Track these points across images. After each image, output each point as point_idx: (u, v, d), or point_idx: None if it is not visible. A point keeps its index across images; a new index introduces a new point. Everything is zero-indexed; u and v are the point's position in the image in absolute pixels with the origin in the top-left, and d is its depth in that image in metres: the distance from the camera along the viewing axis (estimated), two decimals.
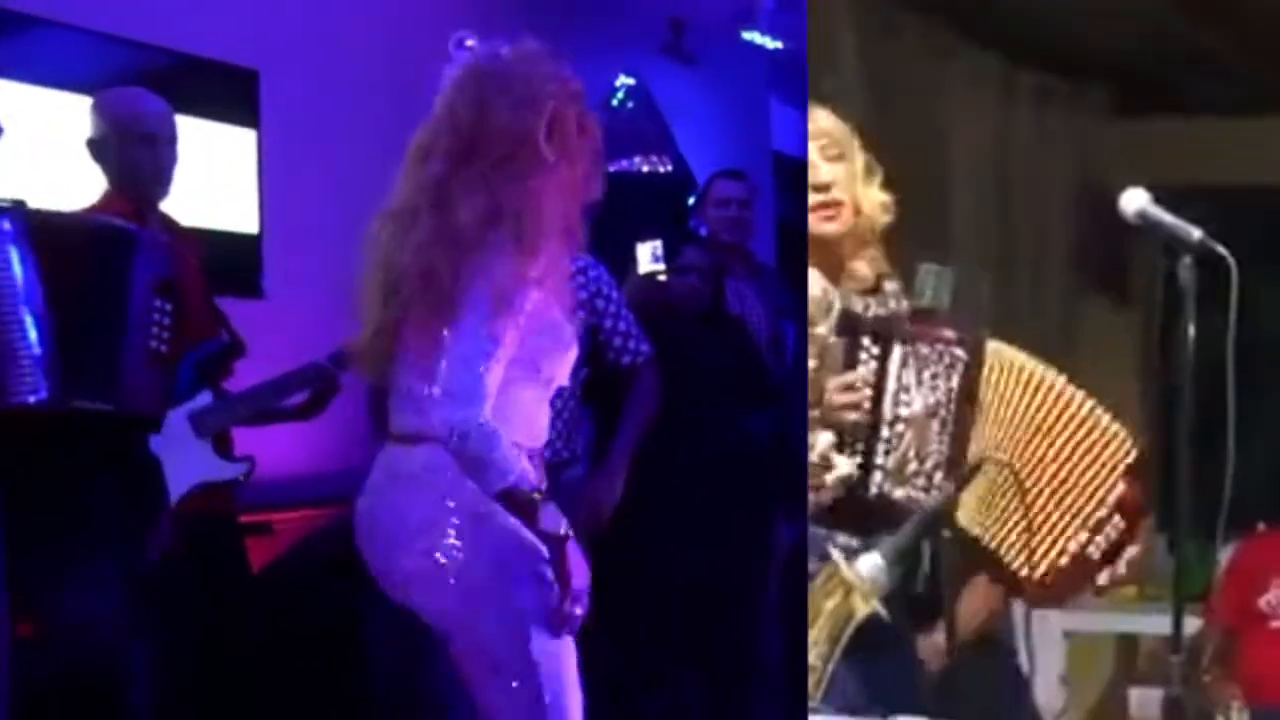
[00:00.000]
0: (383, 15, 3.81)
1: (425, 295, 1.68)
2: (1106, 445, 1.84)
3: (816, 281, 1.78)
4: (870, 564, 1.71)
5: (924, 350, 1.81)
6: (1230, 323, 1.71)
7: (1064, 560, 1.83)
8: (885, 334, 1.81)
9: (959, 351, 1.81)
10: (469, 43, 4.29)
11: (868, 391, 1.79)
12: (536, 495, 1.64)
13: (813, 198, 1.90)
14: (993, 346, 1.84)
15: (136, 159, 2.29)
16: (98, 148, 2.31)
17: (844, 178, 1.90)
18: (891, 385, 1.80)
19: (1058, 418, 1.84)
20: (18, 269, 2.02)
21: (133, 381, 2.12)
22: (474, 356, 1.61)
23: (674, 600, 3.13)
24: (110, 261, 2.13)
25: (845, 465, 1.79)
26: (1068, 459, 1.84)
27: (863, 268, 1.91)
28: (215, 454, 2.31)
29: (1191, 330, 1.67)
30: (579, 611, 1.68)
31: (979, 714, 1.96)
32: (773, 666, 3.30)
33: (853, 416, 1.79)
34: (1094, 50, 3.23)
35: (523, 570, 1.66)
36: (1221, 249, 1.69)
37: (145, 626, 2.19)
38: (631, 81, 4.82)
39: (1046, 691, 2.97)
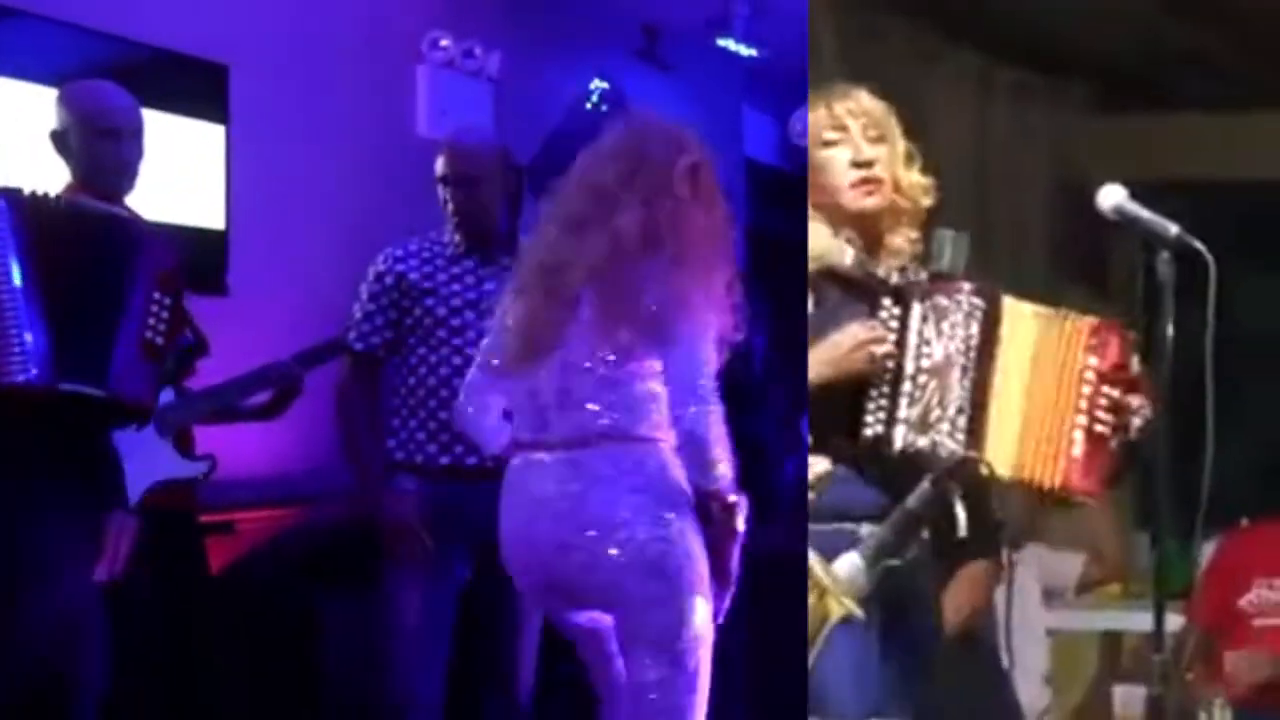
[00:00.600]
0: (356, 13, 3.80)
1: (605, 302, 1.94)
2: (1075, 335, 1.84)
3: (847, 251, 1.80)
4: (848, 565, 1.71)
5: (942, 302, 1.84)
6: (1209, 318, 1.71)
7: (1076, 451, 1.81)
8: (904, 295, 1.85)
9: (977, 300, 1.83)
10: (443, 43, 4.33)
11: (891, 338, 1.83)
12: (734, 498, 1.91)
13: (853, 174, 1.95)
14: (1008, 301, 1.85)
15: (100, 153, 2.26)
16: (61, 140, 2.28)
17: (884, 158, 1.96)
18: (913, 340, 1.83)
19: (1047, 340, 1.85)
20: (11, 251, 2.02)
21: (125, 369, 2.10)
22: (707, 360, 1.90)
23: None
24: (114, 251, 2.13)
25: (823, 463, 1.80)
26: (1059, 368, 1.84)
27: (900, 243, 1.96)
28: (176, 452, 2.29)
29: (1170, 326, 1.68)
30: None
31: (961, 711, 1.96)
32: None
33: (876, 358, 1.81)
34: (1073, 46, 3.24)
35: (699, 560, 1.93)
36: (1199, 244, 1.70)
37: (101, 625, 2.16)
38: (606, 85, 4.82)
39: (1030, 690, 2.97)
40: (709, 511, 1.93)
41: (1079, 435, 1.81)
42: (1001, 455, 1.82)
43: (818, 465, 1.83)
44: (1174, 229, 1.71)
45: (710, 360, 1.91)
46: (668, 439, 1.95)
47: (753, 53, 4.99)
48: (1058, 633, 3.35)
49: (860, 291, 1.84)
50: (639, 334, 1.91)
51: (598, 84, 4.78)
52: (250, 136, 3.42)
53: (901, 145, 1.98)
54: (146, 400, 2.18)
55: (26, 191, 2.11)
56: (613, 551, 1.91)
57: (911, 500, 1.76)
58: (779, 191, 6.23)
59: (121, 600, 2.19)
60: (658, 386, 1.94)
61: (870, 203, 1.95)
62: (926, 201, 1.98)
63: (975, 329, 1.83)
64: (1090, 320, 1.84)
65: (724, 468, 1.89)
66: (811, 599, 1.75)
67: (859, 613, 1.72)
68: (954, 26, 3.19)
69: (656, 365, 1.94)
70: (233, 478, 2.49)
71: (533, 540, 2.01)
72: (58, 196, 2.19)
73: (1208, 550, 2.99)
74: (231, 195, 3.38)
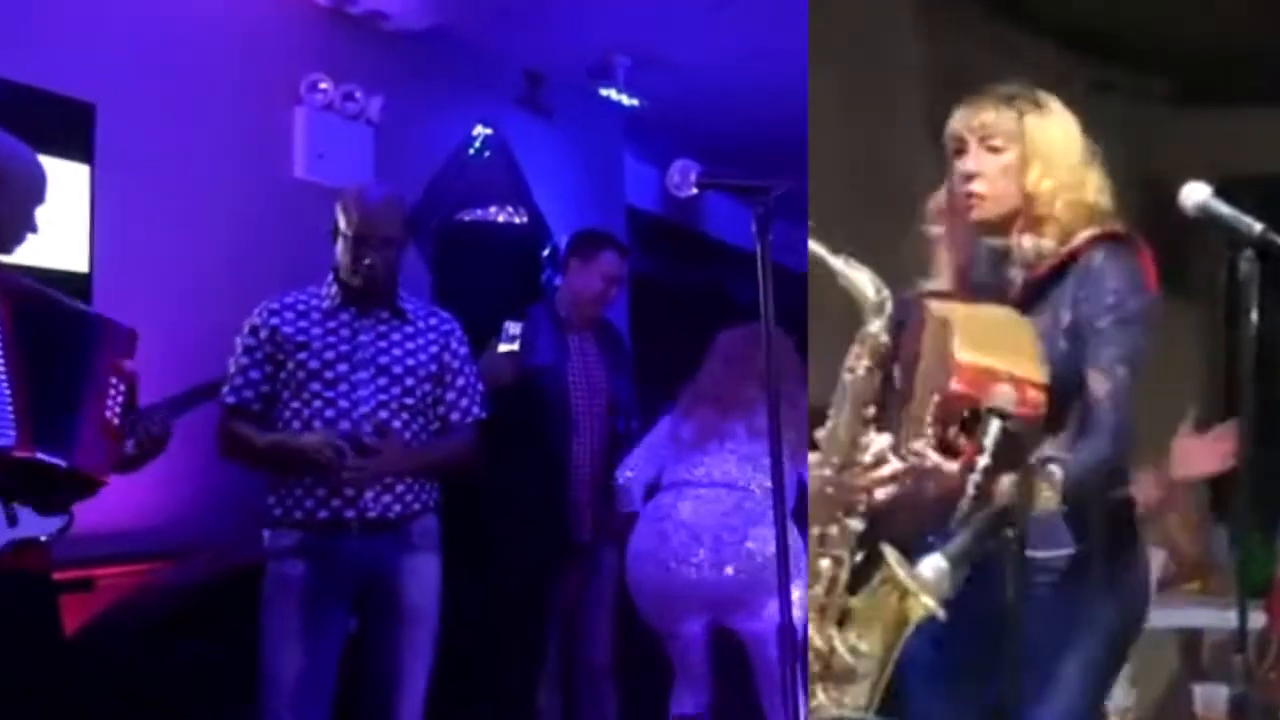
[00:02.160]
0: (231, 53, 3.72)
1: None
2: None
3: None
4: (933, 567, 1.66)
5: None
6: None
7: None
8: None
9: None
10: (322, 85, 4.28)
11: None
12: None
13: (964, 187, 2.00)
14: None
15: None
16: None
17: (1005, 168, 1.99)
18: None
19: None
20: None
21: (87, 443, 2.19)
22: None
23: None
24: (78, 341, 2.26)
25: (895, 463, 1.77)
26: None
27: (1027, 247, 1.98)
28: (30, 509, 2.18)
29: (1254, 323, 1.68)
30: None
31: None
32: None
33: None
34: (1153, 42, 3.26)
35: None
36: None
37: None
38: (489, 132, 4.82)
39: (1113, 690, 2.91)
40: None
41: None
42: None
43: None
44: (1258, 227, 1.72)
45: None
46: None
47: (634, 102, 5.05)
48: None
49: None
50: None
51: (480, 130, 4.78)
52: (116, 177, 3.32)
53: (1016, 152, 1.99)
54: (103, 474, 2.25)
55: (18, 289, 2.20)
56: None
57: (995, 500, 1.72)
58: (659, 239, 6.30)
59: None
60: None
61: (975, 215, 1.99)
62: (1057, 207, 1.98)
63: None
64: None
65: None
66: (891, 601, 1.70)
67: (941, 614, 1.68)
68: (1033, 21, 3.20)
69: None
70: (91, 532, 2.38)
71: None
72: (39, 288, 2.26)
73: None
74: (95, 237, 3.26)
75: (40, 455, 2.12)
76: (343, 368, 2.57)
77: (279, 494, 2.57)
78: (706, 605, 2.99)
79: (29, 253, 2.37)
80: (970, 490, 1.74)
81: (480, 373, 2.86)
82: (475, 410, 2.78)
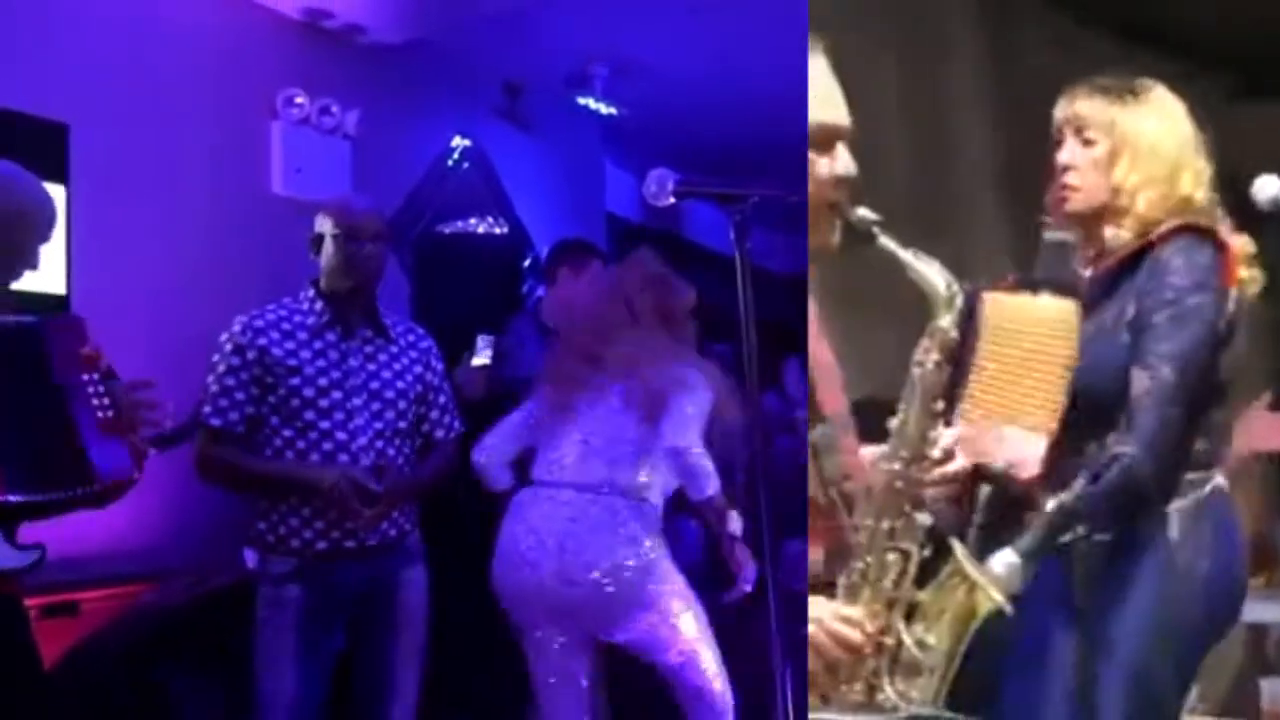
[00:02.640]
0: (206, 69, 3.71)
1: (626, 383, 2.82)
2: None
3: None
4: (1004, 562, 1.65)
5: None
6: None
7: None
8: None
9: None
10: (299, 100, 4.26)
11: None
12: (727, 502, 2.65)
13: (1059, 177, 2.02)
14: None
15: None
16: None
17: (1088, 161, 1.99)
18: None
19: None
20: None
21: (102, 456, 2.14)
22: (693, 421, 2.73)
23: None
24: (26, 359, 2.14)
25: (963, 460, 1.76)
26: None
27: (1109, 237, 1.99)
28: (3, 540, 2.15)
29: None
30: (747, 589, 2.69)
31: None
32: None
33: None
34: (1218, 35, 3.20)
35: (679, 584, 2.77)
36: None
37: None
38: (467, 143, 4.81)
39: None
40: (706, 519, 2.69)
41: None
42: None
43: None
44: None
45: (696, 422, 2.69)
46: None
47: (612, 111, 5.05)
48: None
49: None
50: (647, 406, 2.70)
51: (459, 142, 4.77)
52: (92, 197, 3.30)
53: (1108, 145, 1.98)
54: (134, 473, 2.19)
55: None
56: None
57: (1066, 496, 1.71)
58: (639, 247, 6.30)
59: None
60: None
61: (1068, 208, 2.00)
62: (1140, 202, 1.96)
63: None
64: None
65: (713, 485, 2.65)
66: (959, 595, 1.69)
67: (1008, 608, 1.67)
68: (1094, 14, 3.17)
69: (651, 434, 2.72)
70: (74, 555, 2.36)
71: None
72: None
73: None
74: (72, 258, 3.24)
75: (60, 496, 2.09)
76: (337, 395, 2.53)
77: (270, 520, 2.52)
78: (558, 615, 2.73)
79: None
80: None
81: (452, 386, 2.85)
82: (456, 425, 2.77)
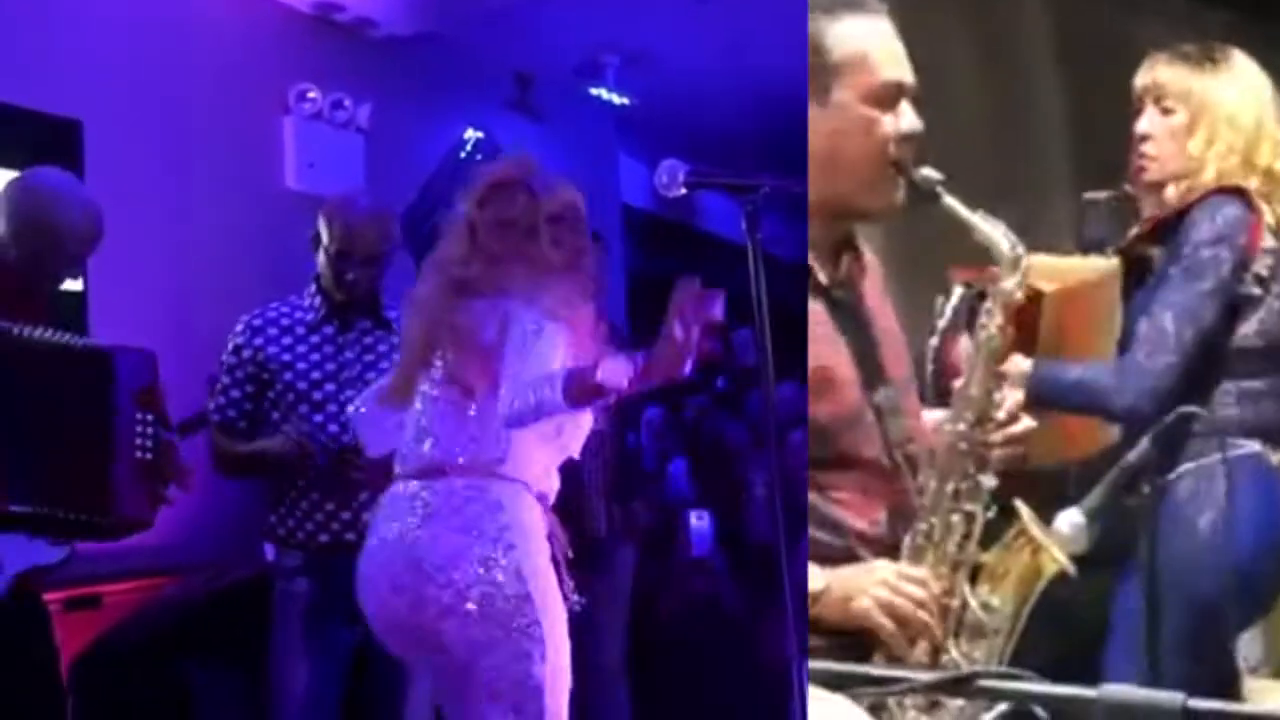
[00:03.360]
0: (218, 65, 3.72)
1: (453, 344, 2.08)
2: None
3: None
4: (1070, 521, 1.66)
5: None
6: None
7: None
8: None
9: None
10: (311, 95, 4.27)
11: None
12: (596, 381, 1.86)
13: (1137, 145, 2.03)
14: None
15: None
16: None
17: (1165, 130, 2.00)
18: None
19: None
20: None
21: (125, 493, 2.17)
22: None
23: None
24: (91, 384, 2.17)
25: (1028, 421, 1.75)
26: None
27: (1170, 197, 2.01)
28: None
29: None
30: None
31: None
32: None
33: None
34: None
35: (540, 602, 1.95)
36: None
37: None
38: (480, 135, 4.81)
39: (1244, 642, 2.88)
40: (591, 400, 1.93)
41: None
42: None
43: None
44: None
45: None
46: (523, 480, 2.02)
47: (624, 100, 5.05)
48: None
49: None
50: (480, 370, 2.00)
51: (472, 134, 4.78)
52: (106, 193, 3.30)
53: (1185, 116, 1.99)
54: (148, 517, 2.22)
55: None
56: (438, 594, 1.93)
57: (1132, 455, 1.71)
58: (655, 235, 6.30)
59: None
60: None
61: (1146, 177, 2.01)
62: (1212, 171, 1.97)
63: None
64: None
65: (552, 388, 1.87)
66: (1024, 556, 1.69)
67: (1072, 569, 1.68)
68: None
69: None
70: (97, 550, 2.38)
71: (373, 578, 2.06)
72: (32, 336, 2.16)
73: None
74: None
75: (71, 517, 2.11)
76: (330, 387, 2.55)
77: (279, 513, 2.56)
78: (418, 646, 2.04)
79: None
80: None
81: None
82: None
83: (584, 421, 2.06)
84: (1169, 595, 1.87)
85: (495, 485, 1.99)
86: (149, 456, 2.19)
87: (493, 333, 1.99)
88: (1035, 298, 1.97)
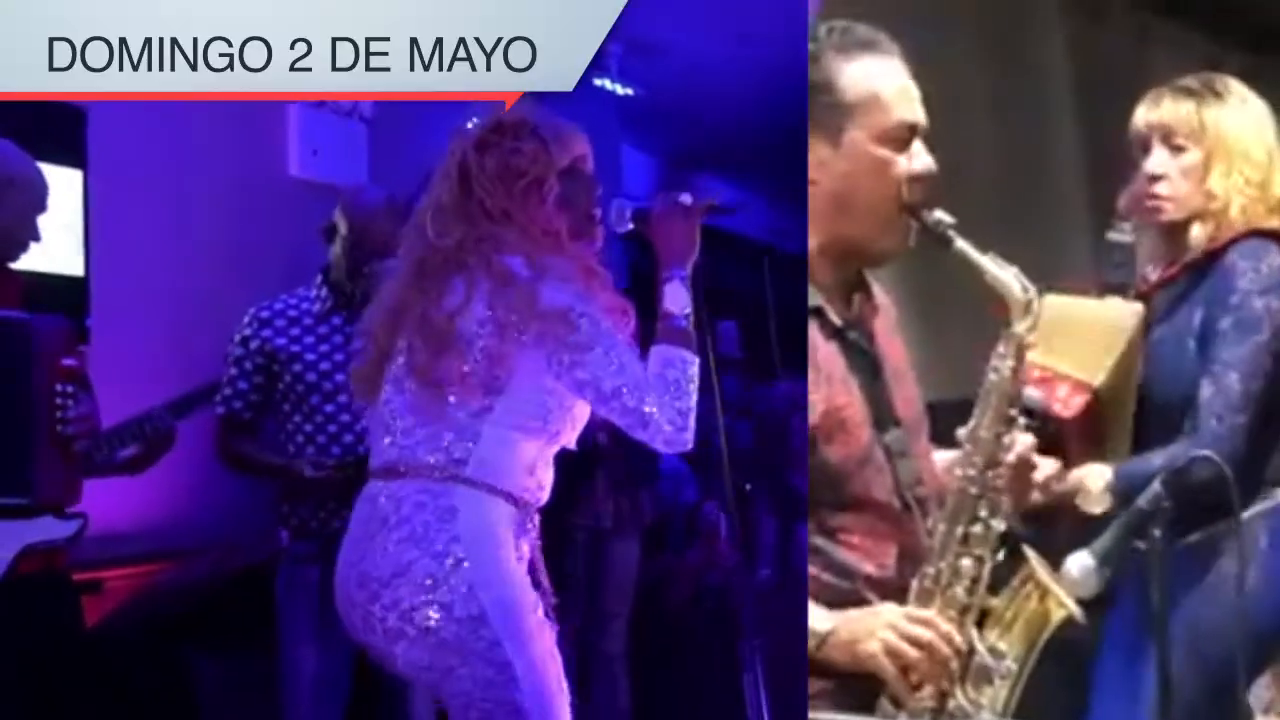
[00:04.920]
0: None
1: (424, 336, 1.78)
2: None
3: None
4: (1079, 564, 1.63)
5: None
6: None
7: None
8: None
9: None
10: None
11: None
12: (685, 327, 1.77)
13: (1146, 186, 1.99)
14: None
15: None
16: None
17: (1179, 169, 1.96)
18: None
19: None
20: None
21: (46, 472, 2.10)
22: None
23: None
24: (9, 356, 2.09)
25: (1049, 465, 1.76)
26: None
27: (1196, 238, 1.97)
28: (48, 513, 2.19)
29: None
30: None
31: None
32: None
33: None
34: None
35: (515, 615, 1.69)
36: None
37: None
38: None
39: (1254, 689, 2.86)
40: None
41: None
42: None
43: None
44: None
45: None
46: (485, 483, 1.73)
47: (628, 91, 5.04)
48: None
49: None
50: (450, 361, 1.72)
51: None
52: (110, 180, 3.32)
53: (1201, 153, 1.96)
54: (72, 496, 2.16)
55: None
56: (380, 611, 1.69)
57: (1142, 500, 1.69)
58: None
59: None
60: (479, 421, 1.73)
61: (1162, 218, 1.98)
62: (1235, 207, 1.95)
63: None
64: None
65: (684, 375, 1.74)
66: (1032, 603, 1.68)
67: (1080, 616, 1.67)
68: (1178, 8, 3.13)
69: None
70: (98, 534, 2.39)
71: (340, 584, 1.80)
72: None
73: None
74: (91, 241, 3.26)
75: None
76: (340, 378, 2.56)
77: (291, 503, 2.57)
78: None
79: (25, 259, 2.37)
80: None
81: None
82: None
83: (578, 410, 1.80)
84: (1188, 654, 1.84)
85: (452, 490, 1.70)
86: (70, 430, 2.13)
87: (471, 319, 1.70)
88: (1089, 404, 1.95)
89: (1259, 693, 2.79)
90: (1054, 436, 1.93)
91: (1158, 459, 1.90)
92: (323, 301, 2.62)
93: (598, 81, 4.97)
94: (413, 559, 1.67)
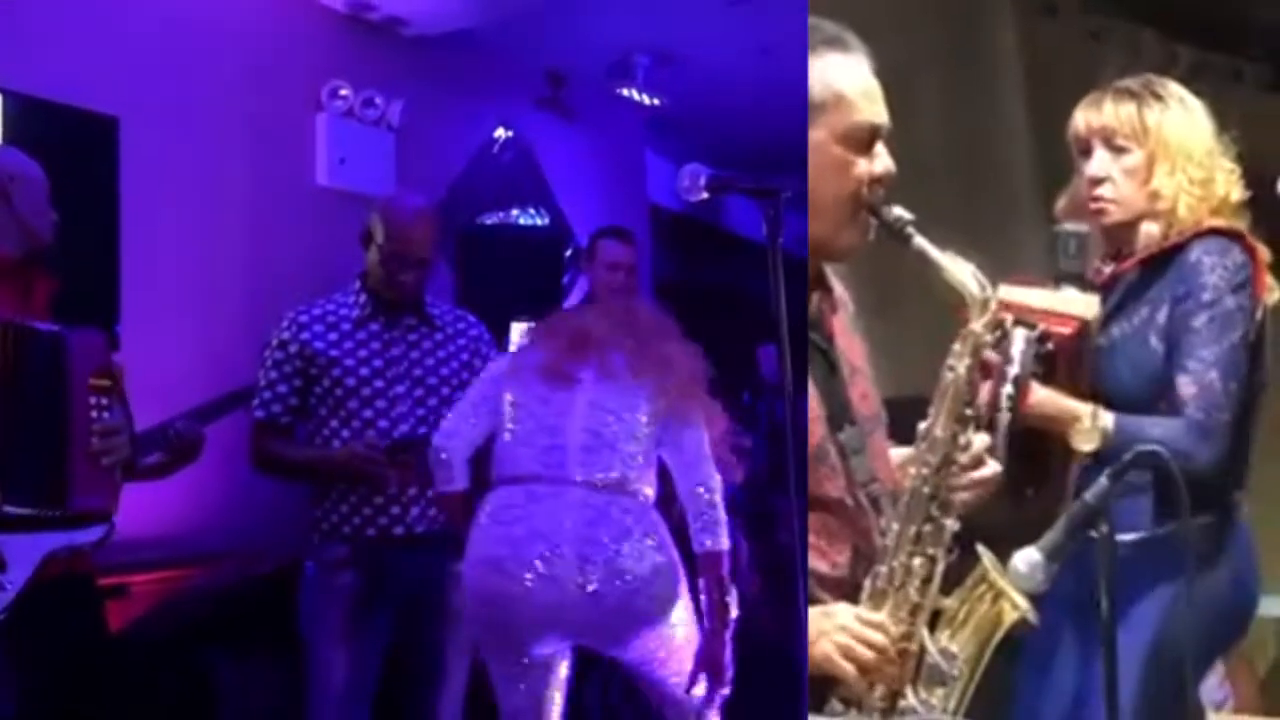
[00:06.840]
0: (252, 63, 3.76)
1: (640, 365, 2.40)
2: None
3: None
4: (1028, 560, 1.63)
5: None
6: None
7: None
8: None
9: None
10: (343, 92, 4.30)
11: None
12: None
13: (1088, 189, 2.00)
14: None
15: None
16: None
17: (1122, 170, 1.97)
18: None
19: None
20: None
21: (83, 484, 2.08)
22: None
23: None
24: (42, 370, 2.06)
25: (994, 465, 1.74)
26: None
27: (1146, 234, 1.99)
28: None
29: None
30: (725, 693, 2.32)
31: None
32: None
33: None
34: (1252, 24, 3.13)
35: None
36: None
37: None
38: (510, 134, 4.84)
39: (1207, 683, 2.84)
40: (704, 584, 2.26)
41: None
42: None
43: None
44: None
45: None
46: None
47: (654, 101, 5.06)
48: None
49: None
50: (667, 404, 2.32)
51: (501, 133, 4.80)
52: (141, 189, 3.36)
53: (1144, 154, 1.96)
54: (109, 507, 2.14)
55: None
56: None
57: (1089, 495, 1.68)
58: (683, 236, 6.31)
59: (22, 666, 2.10)
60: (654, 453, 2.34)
61: (1107, 220, 1.98)
62: (1181, 206, 1.95)
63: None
64: None
65: (726, 538, 2.26)
66: (984, 604, 1.68)
67: (1033, 618, 1.66)
68: (1128, 7, 3.14)
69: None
70: (124, 539, 2.41)
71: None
72: None
73: None
74: (122, 249, 3.30)
75: (25, 511, 2.02)
76: (379, 383, 2.57)
77: (324, 508, 2.57)
78: (569, 629, 2.29)
79: (57, 268, 2.39)
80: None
81: None
82: None
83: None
84: (1140, 648, 1.85)
85: (654, 511, 2.36)
86: (104, 443, 2.10)
87: (693, 406, 2.37)
88: (1080, 328, 1.95)
89: (1211, 694, 2.78)
90: (1049, 358, 1.94)
91: (1156, 429, 1.90)
92: (361, 307, 2.62)
93: (624, 91, 4.98)
94: (663, 554, 2.30)
